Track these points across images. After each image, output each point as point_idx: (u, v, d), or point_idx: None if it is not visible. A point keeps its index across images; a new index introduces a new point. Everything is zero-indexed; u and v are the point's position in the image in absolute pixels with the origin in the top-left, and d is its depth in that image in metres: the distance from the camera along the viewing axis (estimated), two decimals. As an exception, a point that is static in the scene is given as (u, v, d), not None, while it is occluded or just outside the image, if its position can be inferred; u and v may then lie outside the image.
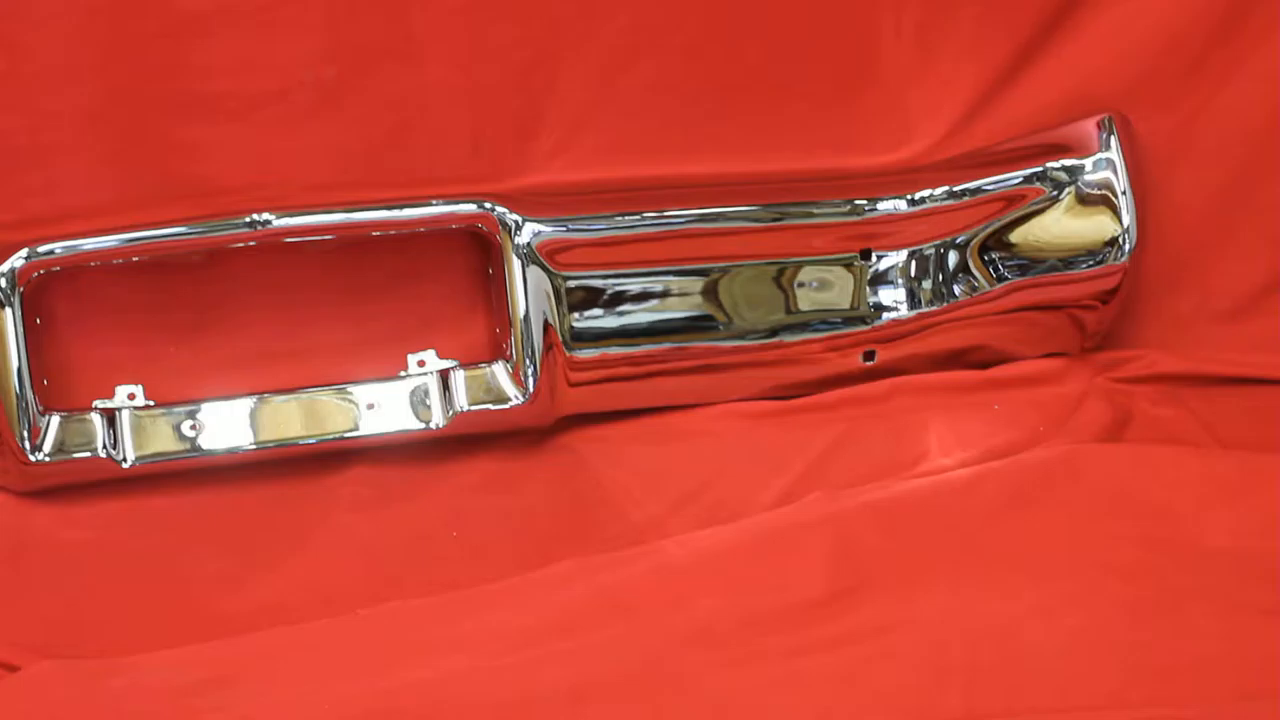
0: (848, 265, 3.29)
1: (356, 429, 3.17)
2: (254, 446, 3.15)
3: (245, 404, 3.17)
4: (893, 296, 3.30)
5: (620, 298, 3.21)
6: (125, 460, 3.10)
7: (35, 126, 3.06)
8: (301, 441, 3.16)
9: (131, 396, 3.14)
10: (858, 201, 3.26)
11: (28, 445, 3.06)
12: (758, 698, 2.53)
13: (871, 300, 3.30)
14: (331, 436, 3.17)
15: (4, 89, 3.03)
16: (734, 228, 3.27)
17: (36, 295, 3.09)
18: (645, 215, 3.23)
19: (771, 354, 3.30)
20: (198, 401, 3.16)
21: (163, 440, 3.13)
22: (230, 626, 2.83)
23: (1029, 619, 2.64)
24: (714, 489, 3.13)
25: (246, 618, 2.87)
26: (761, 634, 2.64)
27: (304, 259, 3.22)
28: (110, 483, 3.13)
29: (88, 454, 3.09)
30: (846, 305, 3.29)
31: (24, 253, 3.04)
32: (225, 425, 3.15)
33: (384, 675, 2.62)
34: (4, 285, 3.03)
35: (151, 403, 3.14)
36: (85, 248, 3.07)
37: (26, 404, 3.05)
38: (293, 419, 3.17)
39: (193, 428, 3.14)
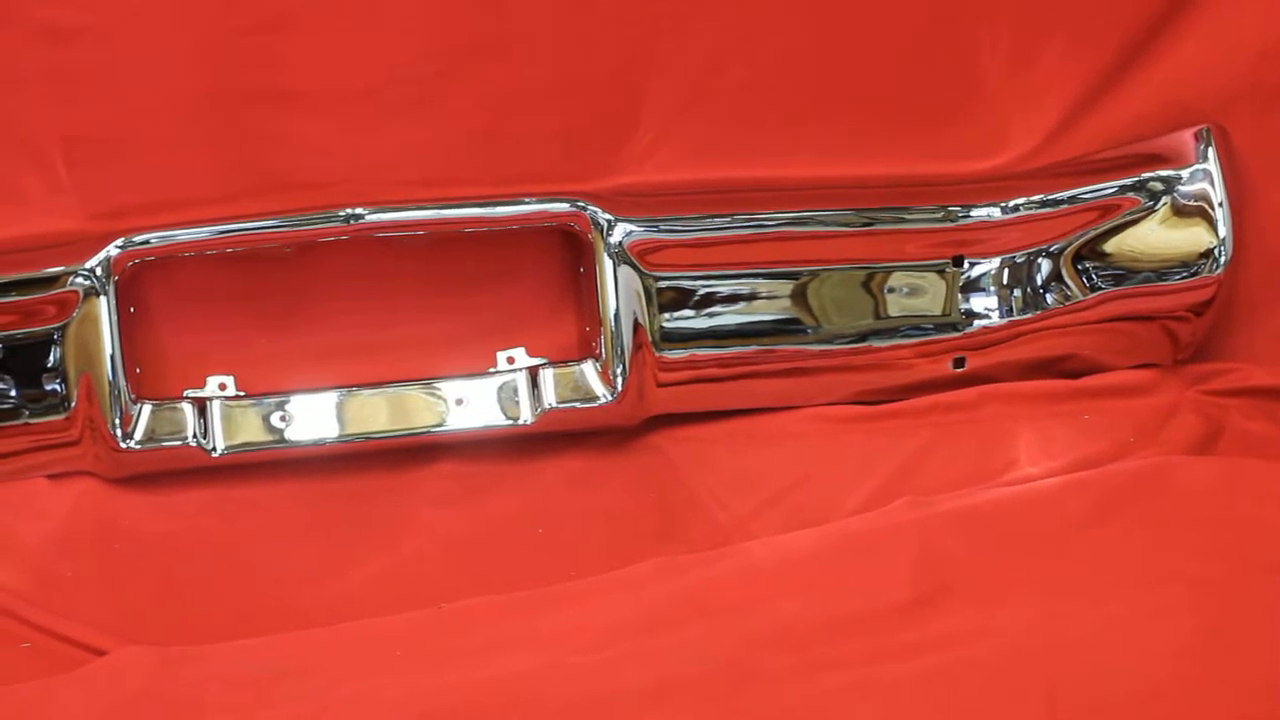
0: (939, 271, 3.28)
1: (443, 424, 3.19)
2: (341, 439, 3.17)
3: (334, 397, 3.19)
4: (984, 304, 3.29)
5: (710, 299, 3.21)
6: (214, 450, 3.13)
7: (133, 117, 3.09)
8: (388, 435, 3.18)
9: (223, 387, 3.16)
10: (951, 208, 3.25)
11: (119, 433, 3.09)
12: (837, 702, 2.52)
13: (963, 307, 3.29)
14: (418, 431, 3.19)
15: (102, 80, 3.05)
16: (825, 231, 3.26)
17: (131, 285, 3.11)
18: (736, 217, 3.23)
19: (860, 358, 3.30)
20: (287, 393, 3.18)
21: (252, 430, 3.15)
22: (313, 618, 2.84)
23: (1113, 631, 2.61)
24: (800, 492, 3.13)
25: (330, 609, 2.89)
26: (843, 638, 2.62)
27: (395, 254, 3.24)
28: (199, 471, 3.16)
29: (178, 442, 3.12)
30: (937, 311, 3.28)
31: (119, 242, 3.08)
32: (313, 417, 3.18)
33: (464, 670, 2.62)
34: (99, 274, 3.06)
35: (242, 393, 3.17)
36: (179, 238, 3.10)
37: (119, 392, 3.08)
38: (380, 412, 3.19)
39: (282, 419, 3.16)
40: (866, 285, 3.29)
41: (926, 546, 2.79)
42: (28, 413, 3.11)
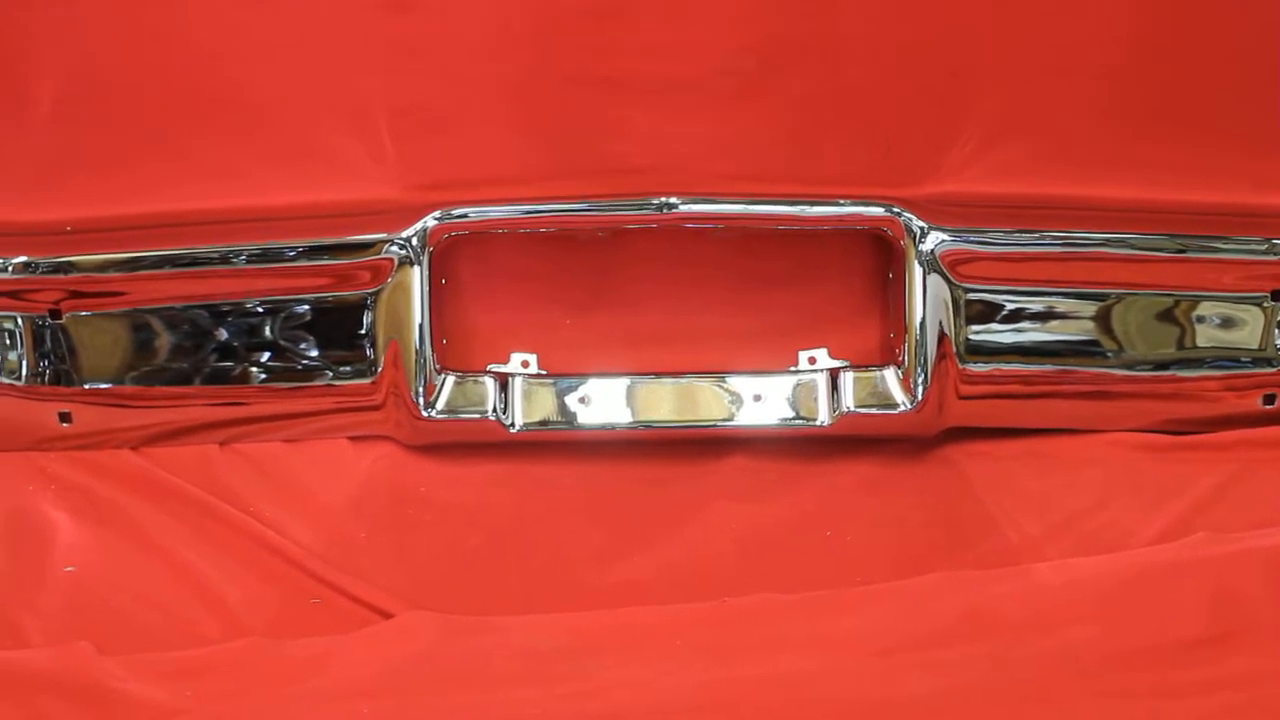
0: (1258, 304, 3.20)
1: (740, 419, 3.19)
2: (636, 425, 3.20)
3: (632, 383, 3.22)
4: (1303, 342, 3.22)
5: (1018, 315, 3.18)
6: (513, 425, 3.17)
7: (459, 92, 3.14)
8: (683, 425, 3.20)
9: (525, 364, 3.21)
10: (1275, 240, 3.17)
11: (422, 401, 3.15)
12: (1120, 733, 2.49)
13: (1279, 343, 3.21)
14: (713, 424, 3.20)
15: (434, 53, 3.11)
16: (1136, 255, 3.21)
17: (444, 257, 3.17)
18: (1048, 234, 3.19)
19: (1165, 387, 3.24)
20: (588, 375, 3.22)
21: (550, 409, 3.19)
22: (597, 599, 2.88)
23: None
24: (1095, 517, 3.07)
25: (614, 592, 2.92)
26: (1131, 669, 2.58)
27: (704, 245, 3.25)
28: (494, 446, 3.21)
29: (477, 415, 3.17)
30: (1252, 345, 3.21)
31: (437, 214, 3.14)
32: (611, 401, 3.21)
33: (743, 666, 2.63)
34: (415, 244, 3.12)
35: (544, 372, 3.20)
36: (495, 214, 3.15)
37: (425, 361, 3.14)
38: (677, 402, 3.21)
39: (581, 400, 3.19)
40: (1176, 313, 3.22)
41: (1224, 584, 2.72)
42: (334, 374, 3.18)
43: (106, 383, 3.20)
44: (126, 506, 3.09)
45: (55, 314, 3.17)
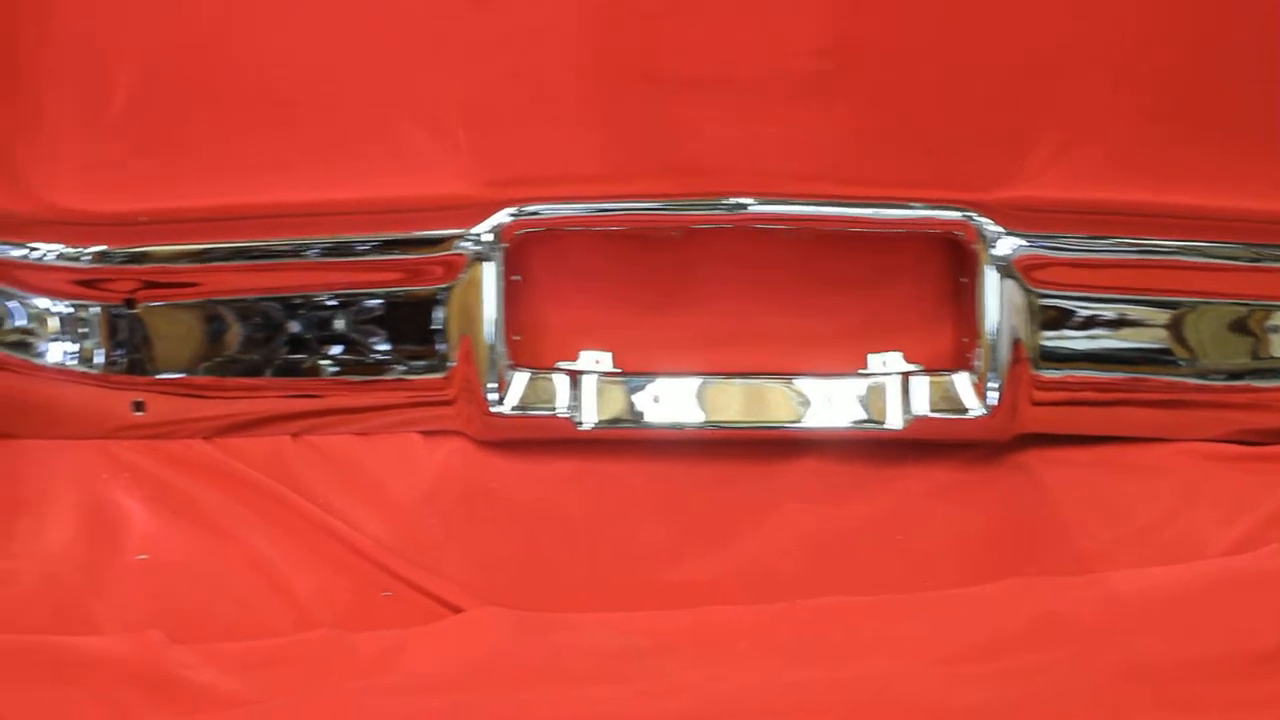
0: (1336, 314, 3.19)
1: (811, 421, 3.18)
2: (707, 425, 3.19)
3: (703, 383, 3.21)
4: (1380, 351, 3.19)
5: (1091, 321, 3.16)
6: (583, 423, 3.17)
7: (534, 89, 3.14)
8: (754, 426, 3.19)
9: (598, 362, 3.20)
10: (1354, 251, 3.16)
11: (493, 396, 3.15)
12: (1187, 744, 2.48)
13: (1355, 354, 3.20)
14: (784, 425, 3.19)
15: (509, 49, 3.11)
16: (1211, 263, 3.19)
17: (518, 253, 3.18)
18: (1123, 241, 3.17)
19: (1240, 397, 3.22)
20: (660, 374, 3.21)
21: (621, 408, 3.19)
22: (667, 598, 2.88)
23: None
24: (1168, 527, 3.05)
25: (685, 591, 2.92)
26: (1203, 681, 2.57)
27: (776, 246, 3.24)
28: (565, 443, 3.21)
29: (548, 412, 3.17)
30: (1330, 355, 3.20)
31: (510, 210, 3.14)
32: (682, 400, 3.20)
33: (810, 669, 2.63)
34: (489, 240, 3.12)
35: (617, 370, 3.20)
36: (569, 212, 3.16)
37: (497, 357, 3.15)
38: (749, 403, 3.20)
39: (653, 399, 3.19)
40: (1251, 322, 3.21)
41: (1298, 596, 2.72)
42: (407, 369, 3.19)
43: (180, 373, 3.22)
44: (199, 496, 3.10)
45: (130, 303, 3.19)
